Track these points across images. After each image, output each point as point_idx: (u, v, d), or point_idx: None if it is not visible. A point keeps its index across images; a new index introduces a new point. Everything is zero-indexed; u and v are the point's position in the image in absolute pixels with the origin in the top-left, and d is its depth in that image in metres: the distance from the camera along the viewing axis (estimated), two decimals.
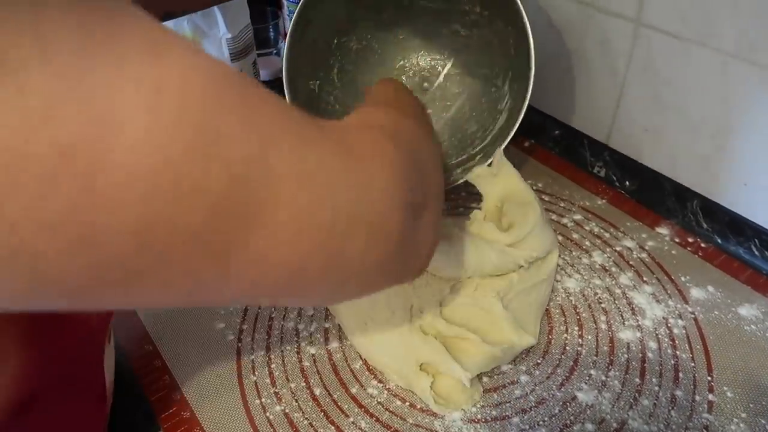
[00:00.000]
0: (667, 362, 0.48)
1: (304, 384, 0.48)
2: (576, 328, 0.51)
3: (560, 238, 0.60)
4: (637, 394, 0.46)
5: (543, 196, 0.66)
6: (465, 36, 0.67)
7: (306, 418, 0.45)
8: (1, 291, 0.17)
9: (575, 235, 0.60)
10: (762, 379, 0.46)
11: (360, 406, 0.46)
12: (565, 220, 0.62)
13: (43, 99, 0.15)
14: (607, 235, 0.60)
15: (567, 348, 0.50)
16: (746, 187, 0.56)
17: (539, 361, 0.49)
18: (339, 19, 0.64)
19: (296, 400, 0.46)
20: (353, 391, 0.47)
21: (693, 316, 0.51)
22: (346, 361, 0.49)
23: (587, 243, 0.59)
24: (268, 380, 0.48)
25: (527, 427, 0.44)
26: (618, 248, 0.59)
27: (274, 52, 0.89)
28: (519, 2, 0.54)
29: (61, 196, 0.16)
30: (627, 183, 0.66)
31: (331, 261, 0.24)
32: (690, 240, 0.59)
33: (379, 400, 0.46)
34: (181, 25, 0.64)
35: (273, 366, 0.49)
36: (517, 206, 0.54)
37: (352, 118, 0.32)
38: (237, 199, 0.20)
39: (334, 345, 0.51)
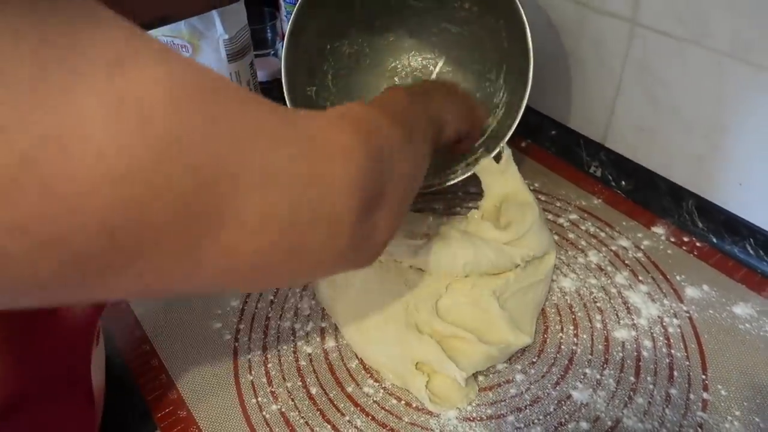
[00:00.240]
0: (661, 361, 0.48)
1: (301, 383, 0.48)
2: (571, 327, 0.51)
3: (556, 237, 0.60)
4: (631, 393, 0.46)
5: (539, 196, 0.66)
6: (455, 33, 0.68)
7: (302, 417, 0.45)
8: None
9: (571, 235, 0.61)
10: (756, 377, 0.46)
11: (356, 404, 0.46)
12: (561, 220, 0.63)
13: (2, 110, 0.16)
14: (602, 234, 0.61)
15: (562, 347, 0.50)
16: (741, 186, 0.57)
17: (534, 360, 0.49)
18: (331, 25, 0.64)
19: (292, 399, 0.47)
20: (349, 390, 0.47)
21: (688, 315, 0.52)
22: (342, 360, 0.50)
23: (583, 242, 0.60)
24: (264, 379, 0.48)
25: (522, 425, 0.44)
26: (613, 248, 0.59)
27: (272, 53, 0.90)
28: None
29: (25, 200, 0.17)
30: (623, 183, 0.66)
31: (292, 253, 0.26)
32: (685, 239, 0.59)
33: (375, 398, 0.47)
34: (179, 27, 0.64)
35: (269, 365, 0.49)
36: (516, 206, 0.54)
37: (330, 110, 0.33)
38: (204, 200, 0.21)
39: (330, 344, 0.51)
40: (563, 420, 0.44)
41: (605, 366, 0.48)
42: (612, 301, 0.53)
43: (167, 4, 0.53)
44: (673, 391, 0.46)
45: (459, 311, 0.48)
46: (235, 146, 0.22)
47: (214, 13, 0.64)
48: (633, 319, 0.51)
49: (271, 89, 0.79)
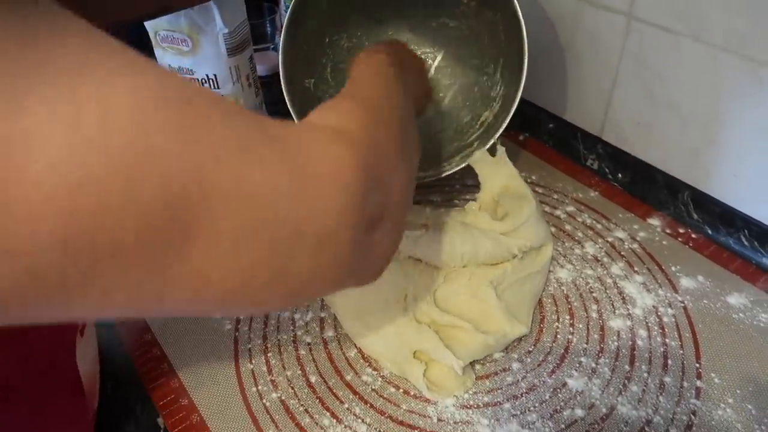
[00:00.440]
0: (656, 350, 0.49)
1: (300, 372, 0.48)
2: (567, 317, 0.52)
3: (553, 229, 0.60)
4: (626, 381, 0.46)
5: (537, 189, 0.67)
6: (454, 28, 0.68)
7: (302, 405, 0.46)
8: None
9: (568, 227, 0.61)
10: (749, 366, 0.47)
11: (354, 392, 0.47)
12: (558, 212, 0.63)
13: None
14: (599, 226, 0.61)
15: (558, 336, 0.50)
16: (736, 178, 0.57)
17: (531, 349, 0.50)
18: (330, 17, 0.64)
19: (292, 388, 0.47)
20: (348, 378, 0.48)
21: (683, 304, 0.52)
22: (341, 349, 0.50)
23: (580, 234, 0.60)
24: (264, 368, 0.49)
25: (518, 412, 0.45)
26: (610, 239, 0.59)
27: (271, 47, 0.90)
28: None
29: None
30: (619, 175, 0.67)
31: (275, 276, 0.24)
32: (681, 231, 0.60)
33: (373, 387, 0.47)
34: (178, 21, 0.65)
35: (269, 354, 0.50)
36: (513, 198, 0.55)
37: (316, 117, 0.32)
38: (170, 215, 0.20)
39: (329, 334, 0.52)
40: (559, 407, 0.45)
41: (600, 355, 0.49)
42: (608, 292, 0.54)
43: None
44: (667, 379, 0.46)
45: (457, 301, 0.49)
46: (208, 160, 0.21)
47: (214, 7, 0.64)
48: (628, 309, 0.52)
49: (270, 83, 0.80)
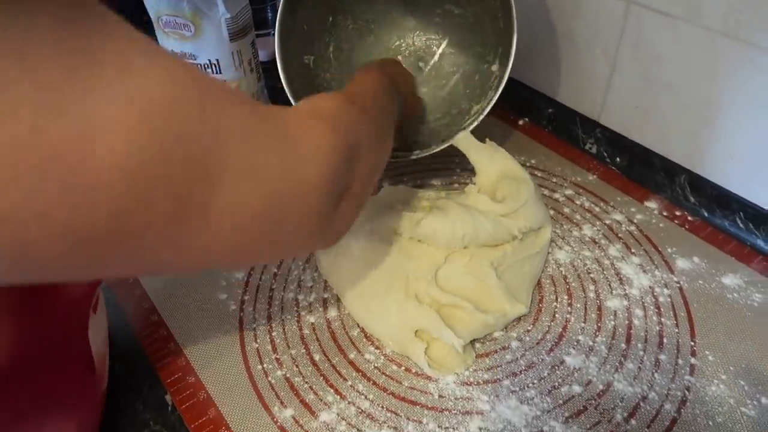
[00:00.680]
0: (652, 328, 0.50)
1: (304, 350, 0.50)
2: (565, 297, 0.53)
3: (552, 212, 0.61)
4: (622, 358, 0.48)
5: (536, 172, 0.68)
6: (458, 15, 0.69)
7: (306, 382, 0.47)
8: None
9: (566, 209, 0.62)
10: (743, 343, 0.48)
11: (357, 370, 0.48)
12: (557, 195, 0.64)
13: (31, 111, 0.18)
14: (597, 209, 0.62)
15: (556, 315, 0.52)
16: (732, 161, 0.58)
17: (530, 328, 0.51)
18: (333, 1, 0.65)
19: (297, 366, 0.48)
20: (351, 356, 0.49)
21: (678, 285, 0.53)
22: (344, 328, 0.51)
23: (578, 217, 0.61)
24: (269, 347, 0.50)
25: (517, 389, 0.46)
26: (607, 221, 0.60)
27: (273, 33, 0.90)
28: None
29: (50, 192, 0.19)
30: (617, 159, 0.67)
31: (267, 235, 0.30)
32: (677, 213, 0.61)
33: (375, 365, 0.48)
34: (181, 6, 0.65)
35: (274, 334, 0.51)
36: (511, 181, 0.56)
37: (305, 105, 0.37)
38: (195, 189, 0.24)
39: (332, 314, 0.53)
40: (557, 384, 0.46)
41: (597, 333, 0.50)
42: (605, 272, 0.55)
43: None
44: (662, 357, 0.48)
45: (458, 281, 0.50)
46: (223, 144, 0.25)
47: None
48: (625, 290, 0.53)
49: (272, 69, 0.79)
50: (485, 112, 0.58)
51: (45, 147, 0.19)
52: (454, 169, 0.68)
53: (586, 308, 0.52)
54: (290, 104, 0.61)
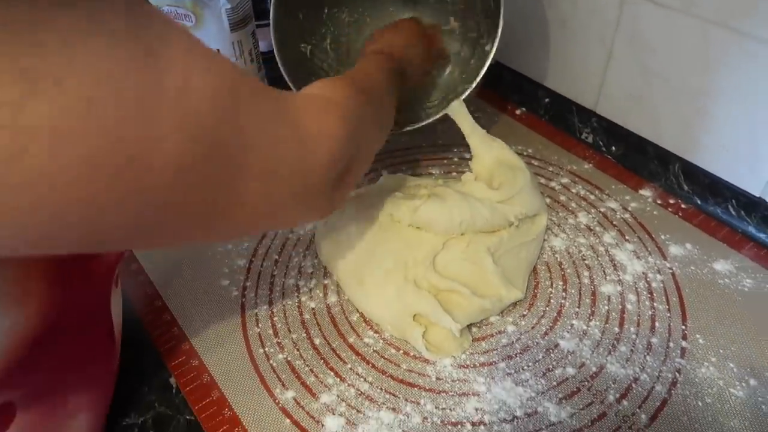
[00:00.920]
0: (644, 313, 0.51)
1: (305, 335, 0.51)
2: (560, 283, 0.54)
3: (548, 200, 0.62)
4: (615, 342, 0.49)
5: (533, 161, 0.69)
6: (451, 3, 0.69)
7: (307, 365, 0.48)
8: (70, 247, 0.25)
9: (562, 197, 0.63)
10: (733, 327, 0.49)
11: (357, 354, 0.49)
12: (553, 184, 0.65)
13: (117, 124, 0.22)
14: (592, 197, 0.63)
15: (551, 301, 0.53)
16: (725, 149, 0.59)
17: (525, 313, 0.52)
18: None
19: (298, 349, 0.50)
20: (351, 340, 0.50)
21: (671, 271, 0.55)
22: (344, 314, 0.53)
23: (573, 204, 0.62)
24: (270, 331, 0.51)
25: (513, 371, 0.47)
26: (602, 209, 0.62)
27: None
28: None
29: (125, 184, 0.23)
30: (613, 148, 0.68)
31: (278, 209, 0.34)
32: (671, 201, 0.62)
33: (374, 348, 0.50)
34: None
35: (275, 319, 0.52)
36: (507, 169, 0.57)
37: (317, 91, 0.40)
38: (227, 162, 0.28)
39: (332, 299, 0.54)
40: (551, 366, 0.47)
41: (591, 318, 0.51)
42: (599, 259, 0.56)
43: None
44: (654, 340, 0.49)
45: (455, 267, 0.51)
46: (248, 139, 0.29)
47: None
48: (619, 275, 0.54)
49: (272, 59, 0.80)
50: (477, 80, 0.59)
51: (124, 150, 0.22)
52: (451, 158, 0.69)
53: (580, 293, 0.53)
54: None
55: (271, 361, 0.49)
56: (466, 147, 0.60)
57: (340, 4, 0.69)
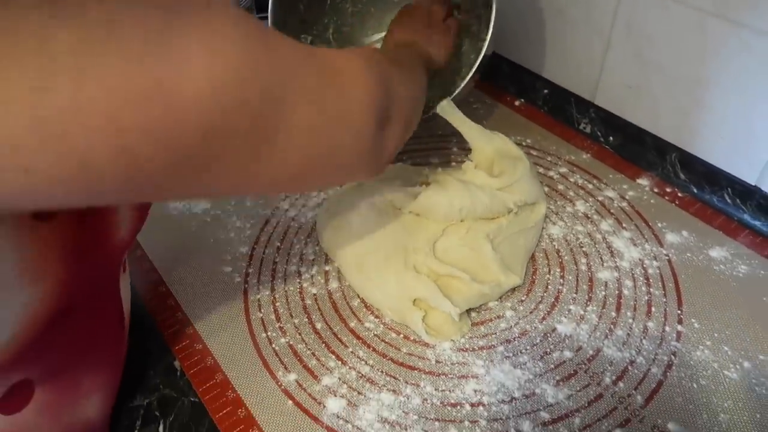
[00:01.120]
0: (641, 298, 0.52)
1: (307, 320, 0.52)
2: (558, 270, 0.55)
3: (546, 189, 0.63)
4: (612, 326, 0.50)
5: (532, 152, 0.69)
6: None
7: (309, 349, 0.49)
8: (111, 187, 0.25)
9: (560, 186, 0.64)
10: (727, 312, 0.50)
11: (358, 338, 0.50)
12: (551, 173, 0.66)
13: (141, 49, 0.22)
14: (590, 186, 0.64)
15: (549, 287, 0.54)
16: (721, 139, 0.60)
17: (523, 299, 0.53)
18: None
19: (299, 334, 0.50)
20: (352, 325, 0.51)
21: (667, 257, 0.55)
22: (345, 299, 0.53)
23: (571, 193, 0.63)
24: (273, 316, 0.52)
25: (511, 354, 0.48)
26: (600, 198, 0.62)
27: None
28: None
29: (154, 112, 0.23)
30: (611, 138, 0.69)
31: (326, 155, 0.34)
32: (668, 190, 0.63)
33: (375, 332, 0.50)
34: None
35: (278, 304, 0.53)
36: (507, 159, 0.58)
37: (350, 51, 0.40)
38: (267, 114, 0.28)
39: (333, 285, 0.55)
40: (548, 350, 0.48)
41: (588, 303, 0.52)
42: (597, 246, 0.57)
43: None
44: (650, 324, 0.50)
45: (454, 253, 0.51)
46: (287, 76, 0.29)
47: None
48: (616, 262, 0.55)
49: None
50: (465, 82, 0.59)
51: (151, 75, 0.23)
52: (451, 148, 0.70)
53: (577, 280, 0.54)
54: None
55: (273, 345, 0.50)
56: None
57: None
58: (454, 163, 0.68)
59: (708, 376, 0.46)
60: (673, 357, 0.47)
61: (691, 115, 0.61)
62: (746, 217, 0.59)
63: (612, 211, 0.61)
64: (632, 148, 0.67)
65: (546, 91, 0.76)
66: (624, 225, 0.59)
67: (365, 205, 0.55)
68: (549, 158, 0.68)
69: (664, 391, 0.45)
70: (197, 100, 0.24)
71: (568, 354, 0.48)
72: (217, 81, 0.25)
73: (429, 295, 0.49)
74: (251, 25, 0.28)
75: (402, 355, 0.49)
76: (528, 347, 0.49)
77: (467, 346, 0.49)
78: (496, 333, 0.50)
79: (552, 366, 0.47)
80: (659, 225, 0.59)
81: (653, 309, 0.51)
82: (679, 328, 0.49)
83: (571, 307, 0.52)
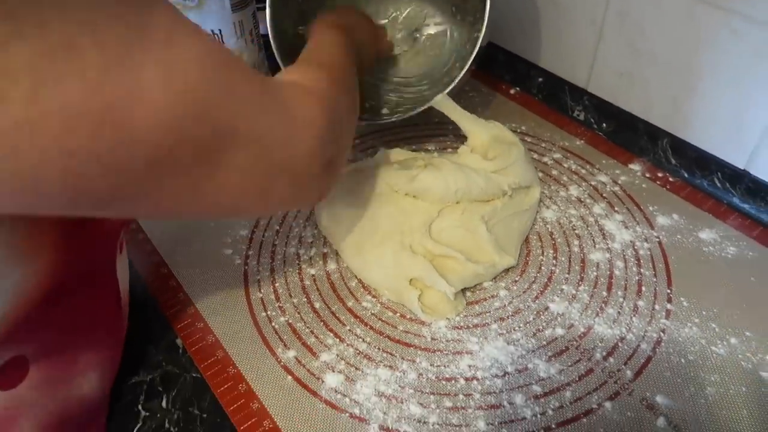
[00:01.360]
0: (631, 278, 0.53)
1: (305, 299, 0.53)
2: (551, 251, 0.56)
3: (540, 174, 0.64)
4: (603, 305, 0.51)
5: (526, 138, 0.70)
6: None
7: (307, 327, 0.50)
8: (55, 203, 0.25)
9: (554, 172, 0.65)
10: (716, 291, 0.52)
11: (356, 316, 0.51)
12: (545, 159, 0.67)
13: (97, 72, 0.23)
14: (583, 171, 0.65)
15: (542, 268, 0.55)
16: (711, 125, 0.61)
17: (517, 279, 0.54)
18: None
19: (299, 313, 0.52)
20: (349, 304, 0.52)
21: (658, 239, 0.57)
22: (343, 280, 0.55)
23: (565, 178, 0.64)
24: (272, 296, 0.53)
25: (504, 331, 0.49)
26: (593, 183, 0.64)
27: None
28: None
29: (105, 136, 0.24)
30: (604, 125, 0.70)
31: (264, 192, 0.35)
32: (659, 175, 0.64)
33: (372, 311, 0.52)
34: None
35: (277, 285, 0.54)
36: (502, 144, 0.59)
37: (294, 78, 0.41)
38: (213, 146, 0.29)
39: (331, 267, 0.56)
40: (541, 327, 0.50)
41: (580, 283, 0.53)
42: (589, 229, 0.58)
43: None
44: (640, 303, 0.51)
45: (450, 234, 0.53)
46: (238, 112, 0.30)
47: None
48: (607, 244, 0.57)
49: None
50: (460, 76, 0.60)
51: (104, 99, 0.23)
52: (447, 135, 0.71)
53: (570, 261, 0.55)
54: None
55: (273, 324, 0.51)
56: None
57: None
58: (449, 150, 0.69)
59: (696, 352, 0.47)
60: (662, 334, 0.48)
61: (682, 101, 0.63)
62: (735, 200, 0.60)
63: (604, 195, 0.62)
64: (625, 134, 0.68)
65: (540, 79, 0.77)
66: (616, 208, 0.60)
67: (362, 188, 0.56)
68: (543, 144, 0.70)
69: (653, 366, 0.46)
70: (147, 131, 0.25)
71: (560, 331, 0.49)
72: (168, 114, 0.26)
73: (425, 274, 0.50)
74: (212, 56, 0.28)
75: (398, 333, 0.50)
76: (521, 325, 0.50)
77: (462, 324, 0.50)
78: (490, 311, 0.51)
79: (544, 343, 0.48)
80: (650, 208, 0.60)
81: (643, 288, 0.52)
82: (669, 306, 0.51)
83: (564, 286, 0.53)
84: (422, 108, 0.62)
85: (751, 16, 0.53)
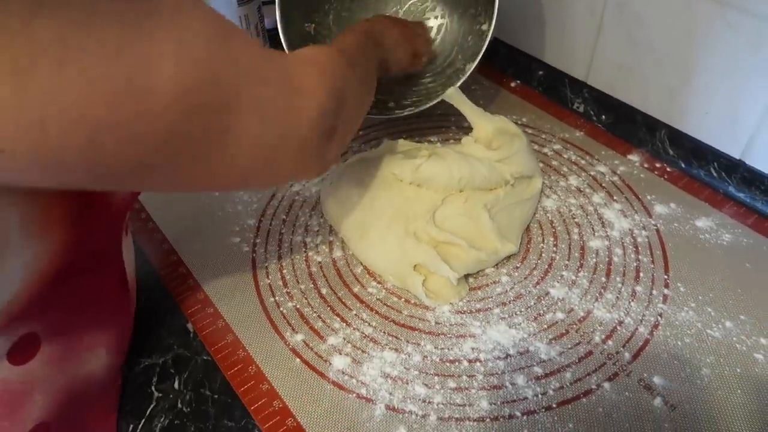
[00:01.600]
0: (630, 265, 0.55)
1: (312, 285, 0.54)
2: (552, 239, 0.58)
3: (541, 165, 0.66)
4: (602, 290, 0.52)
5: (527, 130, 0.72)
6: None
7: (315, 312, 0.52)
8: (74, 176, 0.27)
9: (554, 162, 0.67)
10: (711, 277, 0.53)
11: (361, 302, 0.53)
12: (546, 150, 0.69)
13: (116, 41, 0.24)
14: (583, 161, 0.67)
15: (543, 255, 0.56)
16: (707, 115, 0.62)
17: (518, 266, 0.55)
18: None
19: (306, 298, 0.53)
20: (355, 290, 0.54)
21: (655, 227, 0.58)
22: (349, 266, 0.56)
23: (565, 168, 0.66)
24: (280, 282, 0.55)
25: (506, 316, 0.51)
26: (592, 173, 0.65)
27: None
28: None
29: (124, 108, 0.25)
30: (603, 117, 0.72)
31: (270, 162, 0.36)
32: (657, 165, 0.65)
33: (378, 297, 0.53)
34: None
35: (284, 271, 0.56)
36: (505, 135, 0.60)
37: (301, 52, 0.42)
38: (220, 116, 0.31)
39: (338, 254, 0.57)
40: (542, 311, 0.51)
41: (580, 269, 0.54)
42: (588, 217, 0.60)
43: None
44: (638, 288, 0.52)
45: (453, 221, 0.54)
46: (242, 80, 0.31)
47: None
48: (606, 232, 0.58)
49: (276, 35, 0.83)
50: (471, 70, 0.62)
51: (122, 69, 0.25)
52: (450, 127, 0.73)
53: (570, 248, 0.57)
54: None
55: (281, 309, 0.52)
56: (463, 117, 0.64)
57: None
58: (452, 141, 0.71)
59: (692, 335, 0.48)
60: (659, 318, 0.50)
61: (679, 92, 0.64)
62: (731, 189, 0.61)
63: (603, 185, 0.63)
64: (623, 126, 0.70)
65: (541, 72, 0.78)
66: (615, 198, 0.62)
67: (367, 177, 0.57)
68: (544, 136, 0.71)
69: (651, 349, 0.48)
70: (163, 103, 0.26)
71: (560, 315, 0.51)
72: (182, 86, 0.27)
73: (429, 260, 0.52)
74: (217, 28, 0.30)
75: (403, 317, 0.51)
76: (522, 309, 0.51)
77: (465, 308, 0.52)
78: (492, 297, 0.53)
79: (545, 326, 0.50)
80: (648, 197, 0.61)
81: (641, 274, 0.54)
82: (666, 291, 0.52)
83: (564, 273, 0.54)
84: (436, 101, 0.63)
85: (745, 8, 0.55)
